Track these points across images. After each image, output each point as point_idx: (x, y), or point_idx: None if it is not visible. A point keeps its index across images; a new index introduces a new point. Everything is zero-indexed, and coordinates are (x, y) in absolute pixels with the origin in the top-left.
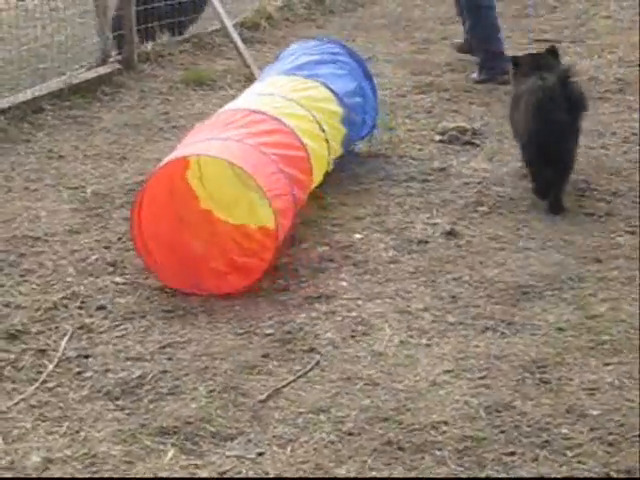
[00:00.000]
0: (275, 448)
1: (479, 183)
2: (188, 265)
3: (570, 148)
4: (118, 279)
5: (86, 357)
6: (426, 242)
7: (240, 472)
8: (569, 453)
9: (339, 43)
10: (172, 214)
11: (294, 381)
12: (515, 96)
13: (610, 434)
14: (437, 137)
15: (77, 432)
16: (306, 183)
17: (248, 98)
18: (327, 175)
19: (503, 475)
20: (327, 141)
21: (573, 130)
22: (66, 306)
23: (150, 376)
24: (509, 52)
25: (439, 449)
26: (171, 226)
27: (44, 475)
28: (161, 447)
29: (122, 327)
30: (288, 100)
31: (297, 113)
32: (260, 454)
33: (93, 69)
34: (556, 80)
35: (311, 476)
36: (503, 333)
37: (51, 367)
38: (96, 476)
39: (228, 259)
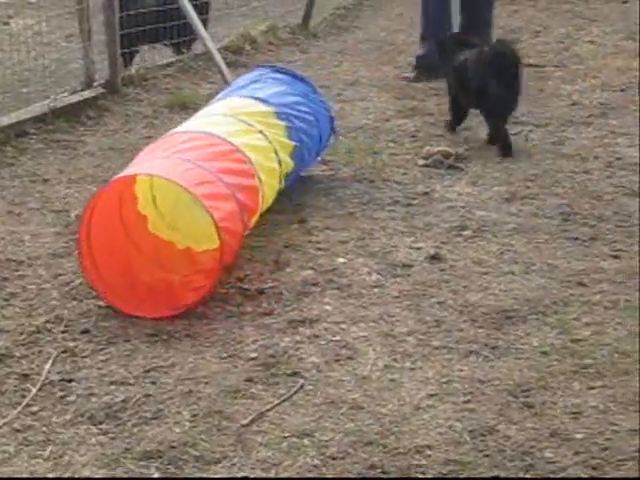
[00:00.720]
0: (259, 472)
1: (463, 207)
2: (167, 294)
3: (518, 95)
4: (102, 303)
5: (70, 381)
6: (410, 266)
7: None
8: (553, 477)
9: (269, 66)
10: (134, 256)
11: (278, 405)
12: (459, 64)
13: (594, 458)
14: (421, 161)
15: (61, 456)
16: (246, 170)
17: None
18: (309, 195)
19: None
20: (261, 132)
21: (519, 80)
22: (50, 330)
23: (134, 400)
24: None
25: (423, 473)
26: (142, 267)
27: None
28: (145, 471)
29: (106, 351)
30: (209, 116)
31: (216, 121)
32: (244, 478)
33: (77, 93)
34: (503, 45)
35: None
36: (487, 357)
37: (34, 391)
38: None
39: (207, 272)
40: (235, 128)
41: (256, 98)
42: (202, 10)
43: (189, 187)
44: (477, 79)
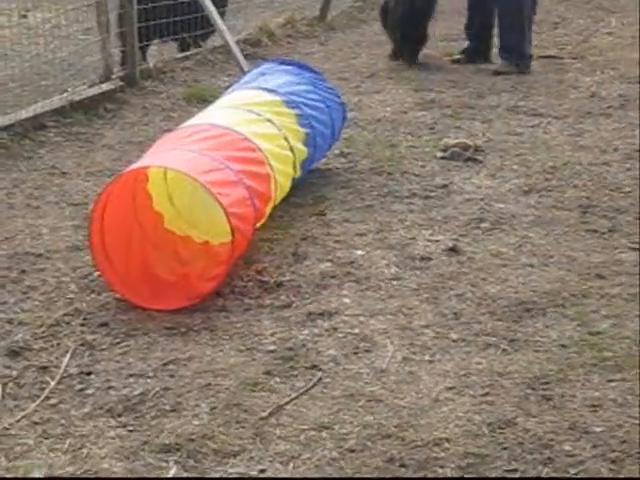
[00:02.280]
0: (277, 465)
1: (481, 200)
2: (184, 286)
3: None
4: (120, 296)
5: (88, 374)
6: (428, 259)
7: None
8: (572, 470)
9: (274, 60)
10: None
11: (296, 398)
12: (385, 4)
13: (613, 451)
14: (439, 154)
15: (79, 449)
16: (255, 157)
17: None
18: (326, 188)
19: None
20: (269, 120)
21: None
22: (68, 323)
23: (152, 393)
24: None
25: (441, 466)
26: (160, 262)
27: None
28: (163, 464)
29: (124, 344)
30: (216, 109)
31: (223, 113)
32: (262, 471)
33: (95, 86)
34: None
35: None
36: (505, 350)
37: (53, 384)
38: None
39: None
40: (242, 118)
41: (263, 89)
42: (220, 3)
43: (196, 175)
44: (395, 15)
